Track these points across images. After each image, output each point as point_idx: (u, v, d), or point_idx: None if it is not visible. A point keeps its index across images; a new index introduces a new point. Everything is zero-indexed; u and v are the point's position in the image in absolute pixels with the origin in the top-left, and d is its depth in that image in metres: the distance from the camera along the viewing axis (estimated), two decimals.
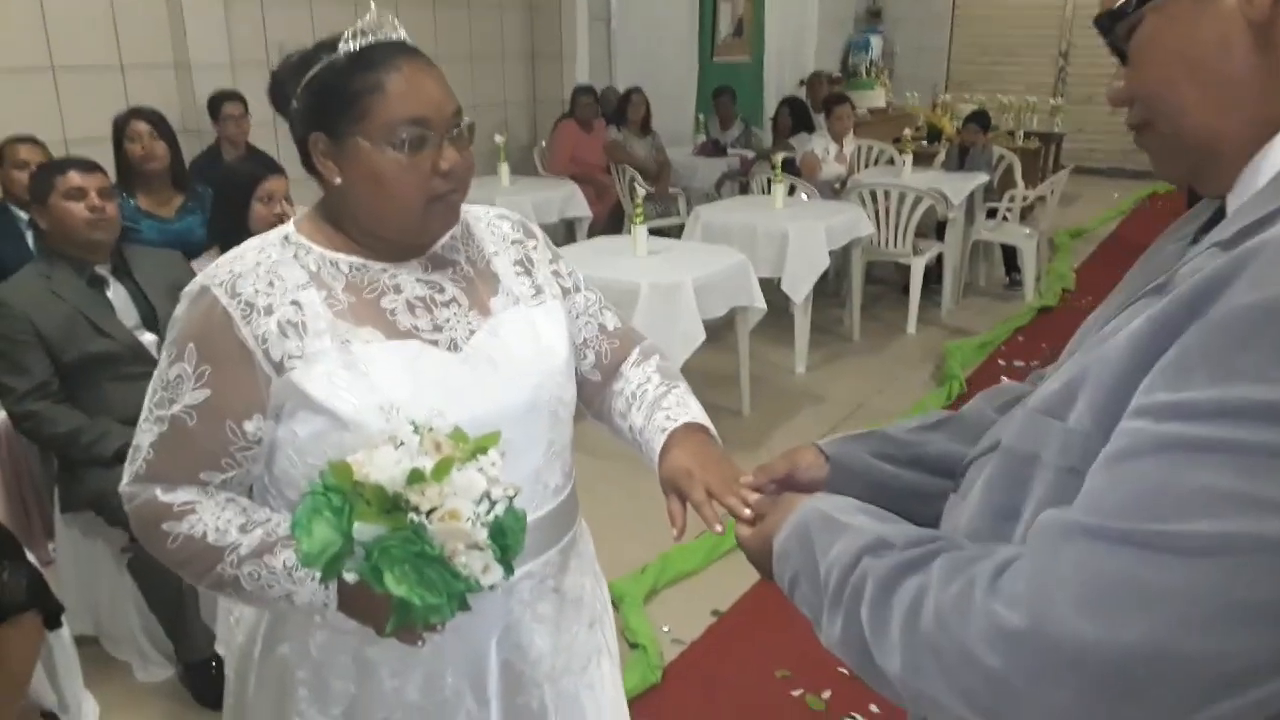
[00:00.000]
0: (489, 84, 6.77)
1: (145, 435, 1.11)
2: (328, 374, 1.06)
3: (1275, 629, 0.53)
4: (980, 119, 6.29)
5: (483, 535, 0.95)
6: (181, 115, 4.63)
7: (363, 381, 1.06)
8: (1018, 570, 0.63)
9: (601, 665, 1.36)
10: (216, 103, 4.46)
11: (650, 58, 7.67)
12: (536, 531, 1.11)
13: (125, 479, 1.13)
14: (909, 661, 0.67)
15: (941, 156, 6.51)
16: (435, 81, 1.08)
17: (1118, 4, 0.70)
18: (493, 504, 0.97)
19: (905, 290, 5.48)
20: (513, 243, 1.26)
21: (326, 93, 1.06)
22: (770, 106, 7.96)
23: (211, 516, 1.08)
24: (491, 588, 0.99)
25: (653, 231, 4.23)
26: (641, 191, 4.37)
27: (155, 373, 1.11)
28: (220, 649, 2.50)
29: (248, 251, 1.12)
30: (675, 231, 5.74)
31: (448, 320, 1.15)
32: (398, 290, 1.14)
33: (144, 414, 1.11)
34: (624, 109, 6.48)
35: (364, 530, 0.93)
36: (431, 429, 0.99)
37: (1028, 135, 8.21)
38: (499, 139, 5.70)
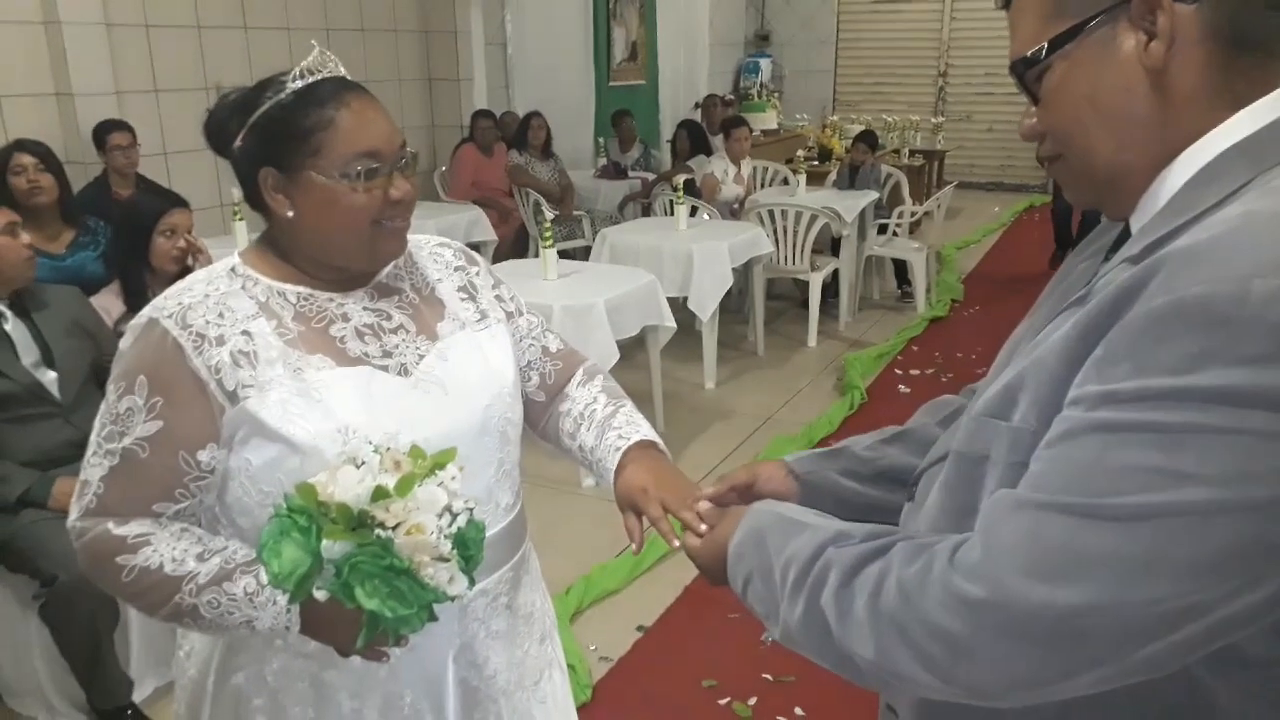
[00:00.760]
0: (386, 109, 6.71)
1: (94, 470, 1.10)
2: (282, 401, 1.07)
3: (1197, 578, 0.62)
4: (868, 139, 6.54)
5: (447, 547, 0.98)
6: (65, 146, 4.46)
7: (317, 408, 1.08)
8: (972, 544, 0.70)
9: (553, 678, 1.39)
10: (102, 133, 4.30)
11: (548, 81, 7.72)
12: (490, 549, 1.13)
13: (74, 514, 1.11)
14: (876, 641, 0.73)
15: (833, 176, 6.73)
16: (382, 115, 1.12)
17: (1029, 52, 0.78)
18: (454, 517, 1.00)
19: (805, 305, 5.66)
20: (455, 269, 1.29)
21: (277, 129, 1.08)
22: (666, 128, 8.10)
23: (167, 547, 1.08)
24: (456, 598, 1.01)
25: (559, 254, 4.28)
26: (549, 215, 4.41)
27: (102, 407, 1.10)
28: (136, 697, 2.44)
29: (195, 284, 1.13)
30: (581, 254, 5.80)
31: (396, 346, 1.17)
32: (345, 318, 1.16)
33: (91, 449, 1.10)
34: (525, 133, 6.51)
35: (332, 548, 0.95)
36: (390, 448, 1.02)
37: (912, 153, 8.57)
38: None
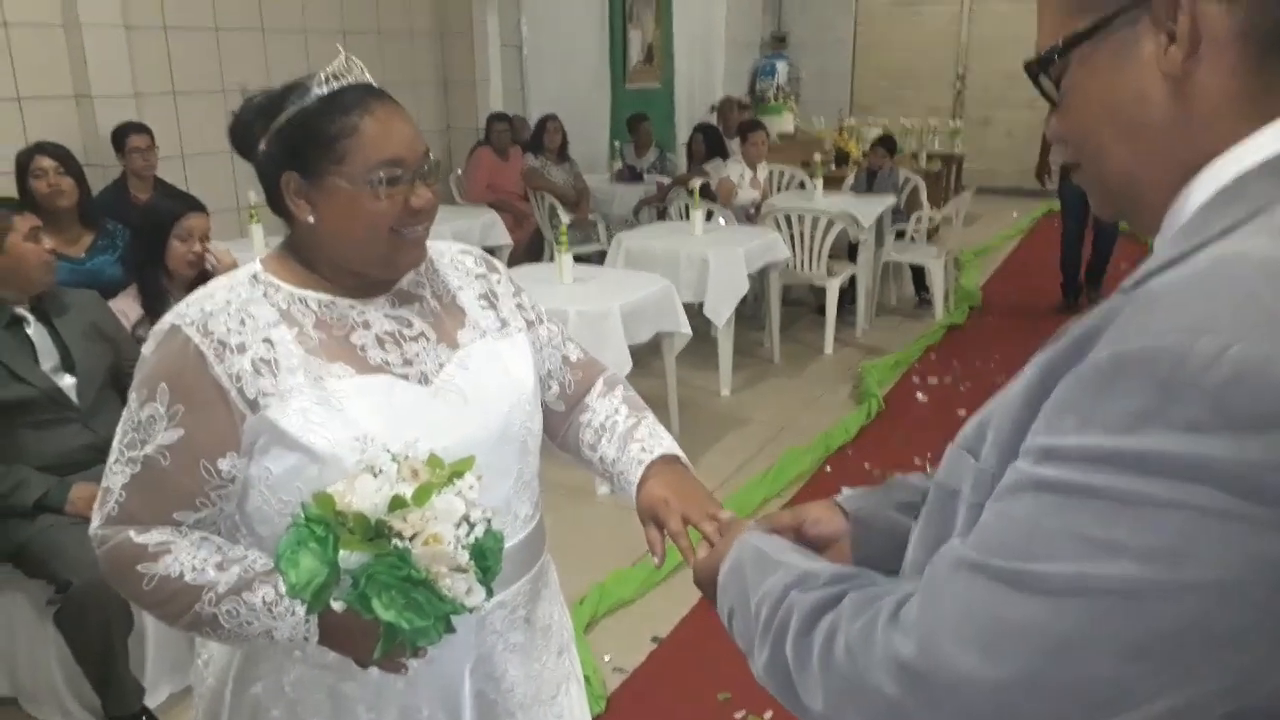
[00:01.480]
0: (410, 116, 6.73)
1: (116, 478, 1.09)
2: (302, 410, 1.07)
3: (1125, 663, 0.56)
4: (887, 143, 6.50)
5: (465, 557, 0.97)
6: (84, 148, 4.48)
7: (337, 417, 1.07)
8: (913, 602, 0.66)
9: (570, 691, 1.38)
10: (121, 135, 4.32)
11: (563, 84, 7.72)
12: (508, 561, 1.12)
13: (95, 522, 1.11)
14: (825, 696, 0.70)
15: (850, 180, 6.70)
16: (406, 122, 1.11)
17: (1044, 50, 0.72)
18: (472, 526, 0.99)
19: (821, 311, 5.62)
20: (477, 277, 1.28)
21: (302, 135, 1.07)
22: (681, 132, 8.08)
23: (187, 556, 1.07)
24: (474, 609, 1.01)
25: (574, 258, 4.27)
26: (565, 219, 4.40)
27: (124, 414, 1.10)
28: (151, 703, 2.44)
29: (217, 290, 1.12)
30: (596, 258, 5.78)
31: (417, 354, 1.16)
32: (366, 326, 1.15)
33: (113, 456, 1.10)
34: (540, 136, 6.50)
35: (349, 558, 0.94)
36: (408, 457, 1.01)
37: (930, 157, 8.51)
38: None
